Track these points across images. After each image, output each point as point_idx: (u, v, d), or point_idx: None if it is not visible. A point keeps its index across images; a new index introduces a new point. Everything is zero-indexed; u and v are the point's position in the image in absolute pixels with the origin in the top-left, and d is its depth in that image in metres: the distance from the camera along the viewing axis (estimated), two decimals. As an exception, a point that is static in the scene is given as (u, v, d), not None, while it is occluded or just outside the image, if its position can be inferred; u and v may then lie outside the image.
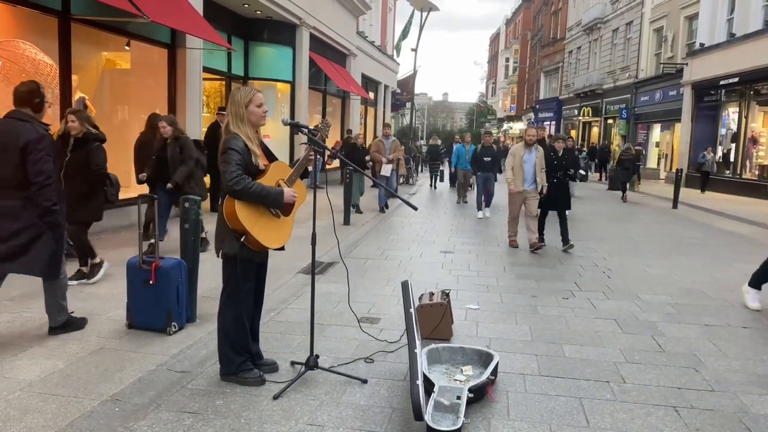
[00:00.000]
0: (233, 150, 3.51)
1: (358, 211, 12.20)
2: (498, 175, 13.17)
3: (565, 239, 8.92)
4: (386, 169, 13.03)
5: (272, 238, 3.69)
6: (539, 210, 9.05)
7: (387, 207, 13.18)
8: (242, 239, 3.58)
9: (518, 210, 9.22)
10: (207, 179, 11.03)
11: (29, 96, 4.21)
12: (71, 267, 5.63)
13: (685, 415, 3.59)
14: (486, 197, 12.80)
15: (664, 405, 3.73)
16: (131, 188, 9.86)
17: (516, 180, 9.03)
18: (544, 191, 8.93)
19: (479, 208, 12.73)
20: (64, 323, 4.49)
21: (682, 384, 4.07)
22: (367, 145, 17.54)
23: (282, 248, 3.85)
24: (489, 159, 12.51)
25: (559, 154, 9.22)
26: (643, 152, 26.79)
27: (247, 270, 3.71)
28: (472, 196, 14.89)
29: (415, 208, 4.04)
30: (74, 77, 8.44)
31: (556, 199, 9.00)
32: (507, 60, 63.78)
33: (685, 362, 4.48)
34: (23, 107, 4.20)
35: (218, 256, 3.74)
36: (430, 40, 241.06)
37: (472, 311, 5.66)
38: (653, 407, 3.69)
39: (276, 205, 3.65)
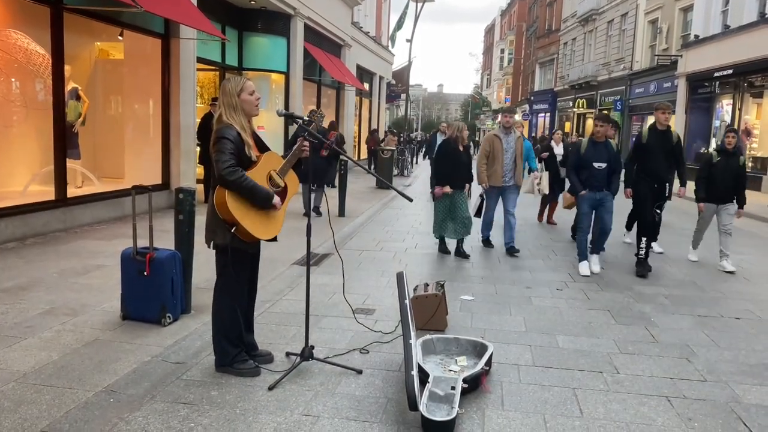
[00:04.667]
0: (226, 139, 3.50)
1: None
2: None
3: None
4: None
5: (263, 229, 3.68)
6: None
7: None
8: (233, 230, 3.57)
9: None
10: (200, 170, 11.07)
11: None
12: None
13: (677, 405, 3.62)
14: (601, 235, 7.17)
15: (657, 395, 3.75)
16: (124, 180, 9.84)
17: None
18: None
19: (583, 257, 7.10)
20: None
21: (674, 374, 4.10)
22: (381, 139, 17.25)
23: (275, 239, 3.84)
24: (604, 165, 6.97)
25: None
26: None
27: (239, 261, 3.70)
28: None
29: (410, 199, 4.04)
30: (67, 67, 8.37)
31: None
32: (502, 51, 63.71)
33: (678, 353, 4.51)
34: None
35: (209, 247, 3.74)
36: (426, 32, 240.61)
37: (466, 302, 5.67)
38: (646, 397, 3.72)
39: (261, 206, 3.64)
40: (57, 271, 5.93)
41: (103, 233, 7.93)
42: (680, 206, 12.08)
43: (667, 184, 7.45)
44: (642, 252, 7.01)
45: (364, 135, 25.85)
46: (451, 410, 3.25)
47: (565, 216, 10.68)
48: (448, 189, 7.50)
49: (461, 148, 7.64)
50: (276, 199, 3.66)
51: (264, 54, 15.29)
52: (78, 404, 3.27)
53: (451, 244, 7.94)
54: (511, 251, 7.97)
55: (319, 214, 10.23)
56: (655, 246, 8.17)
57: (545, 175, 10.33)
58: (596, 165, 6.93)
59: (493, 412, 3.46)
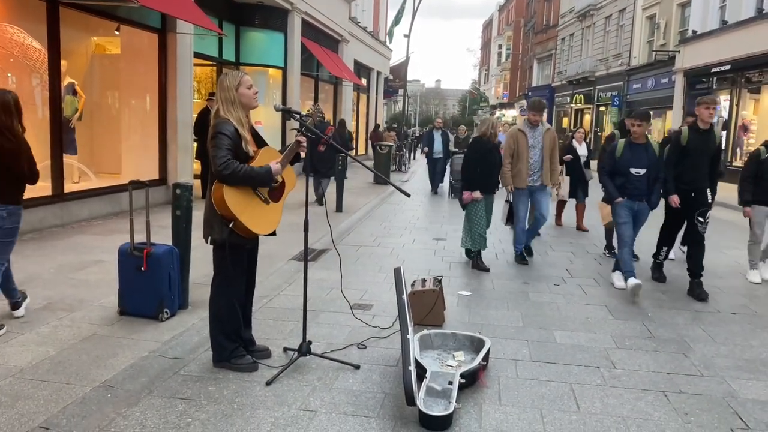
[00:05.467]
0: (223, 134, 3.49)
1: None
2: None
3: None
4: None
5: (261, 224, 3.68)
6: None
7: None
8: (230, 225, 3.57)
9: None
10: (197, 165, 11.05)
11: None
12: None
13: (674, 400, 3.63)
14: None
15: (654, 390, 3.77)
16: (121, 175, 9.82)
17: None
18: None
19: (630, 272, 5.90)
20: None
21: (671, 369, 4.11)
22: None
23: (273, 234, 3.84)
24: (643, 172, 6.03)
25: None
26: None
27: (236, 256, 3.70)
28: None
29: (408, 195, 4.04)
30: (63, 62, 8.34)
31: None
32: (500, 47, 63.59)
33: (675, 348, 4.53)
34: None
35: (207, 242, 3.73)
36: (423, 27, 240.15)
37: (464, 297, 5.68)
38: (643, 392, 3.73)
39: (266, 183, 3.63)
40: (54, 267, 5.92)
41: (100, 229, 7.92)
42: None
43: (708, 191, 6.32)
44: (661, 257, 6.60)
45: (362, 130, 25.82)
46: (448, 405, 3.25)
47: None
48: (478, 195, 6.61)
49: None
50: (276, 166, 3.63)
51: (261, 49, 15.26)
52: (75, 399, 3.27)
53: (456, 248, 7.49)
54: (516, 255, 7.30)
55: (321, 204, 10.71)
56: (677, 250, 7.48)
57: (566, 180, 9.48)
58: (634, 171, 5.94)
59: (490, 407, 3.47)
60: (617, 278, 6.23)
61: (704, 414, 3.47)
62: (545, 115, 7.30)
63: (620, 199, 6.02)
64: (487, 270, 6.73)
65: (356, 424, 3.21)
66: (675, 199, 6.13)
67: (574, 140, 9.75)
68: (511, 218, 7.30)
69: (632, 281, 5.69)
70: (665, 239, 6.58)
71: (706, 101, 6.08)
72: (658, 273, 6.60)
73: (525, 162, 6.96)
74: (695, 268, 6.06)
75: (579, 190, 9.55)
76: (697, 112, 6.21)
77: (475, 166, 6.63)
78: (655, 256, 6.68)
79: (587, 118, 35.76)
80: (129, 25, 9.57)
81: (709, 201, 6.29)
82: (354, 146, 21.27)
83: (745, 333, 4.94)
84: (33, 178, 4.22)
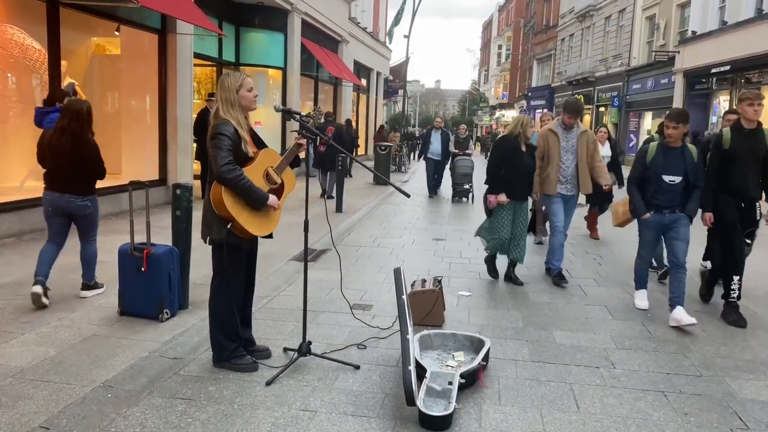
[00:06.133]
0: (224, 135, 3.50)
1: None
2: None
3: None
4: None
5: (258, 225, 3.69)
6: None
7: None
8: (229, 226, 3.58)
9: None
10: (197, 165, 11.06)
11: None
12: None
13: (673, 400, 3.64)
14: (674, 271, 5.25)
15: (654, 390, 3.77)
16: (121, 175, 9.81)
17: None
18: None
19: (642, 284, 5.63)
20: None
21: (671, 369, 4.11)
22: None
23: (270, 236, 3.84)
24: (678, 180, 5.19)
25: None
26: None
27: (235, 256, 3.71)
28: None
29: (408, 195, 4.05)
30: (63, 63, 8.34)
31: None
32: (499, 47, 63.60)
33: (674, 348, 4.53)
34: None
35: (206, 243, 3.74)
36: (423, 27, 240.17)
37: (464, 298, 5.68)
38: (642, 392, 3.73)
39: (255, 206, 3.64)
40: (54, 267, 5.91)
41: (100, 229, 7.89)
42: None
43: (758, 204, 5.43)
44: (734, 294, 5.22)
45: (362, 131, 25.83)
46: (448, 405, 3.26)
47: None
48: (504, 198, 5.99)
49: (524, 148, 6.10)
50: (271, 200, 3.66)
51: (261, 49, 15.27)
52: (75, 400, 3.27)
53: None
54: (554, 274, 6.35)
55: (331, 197, 11.26)
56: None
57: None
58: (667, 179, 5.11)
59: (490, 407, 3.47)
60: (640, 297, 5.58)
61: (704, 414, 3.48)
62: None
63: (647, 215, 5.22)
64: (521, 283, 6.18)
65: (356, 424, 3.21)
66: (708, 218, 5.26)
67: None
68: (533, 227, 6.62)
69: (640, 296, 5.51)
70: (729, 262, 5.29)
71: (749, 96, 5.16)
72: (735, 315, 5.17)
73: (555, 166, 6.24)
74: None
75: (597, 195, 7.84)
76: (739, 110, 5.30)
77: (498, 167, 6.07)
78: (726, 295, 5.31)
79: (587, 118, 35.77)
80: (129, 26, 9.58)
81: (758, 217, 5.44)
82: (359, 144, 21.65)
83: (745, 333, 4.94)
84: (103, 175, 5.03)
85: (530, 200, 6.52)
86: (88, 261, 5.13)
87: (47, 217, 4.96)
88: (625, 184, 5.75)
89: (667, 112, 5.48)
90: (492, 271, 6.45)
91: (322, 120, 11.98)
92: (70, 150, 4.77)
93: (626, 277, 6.62)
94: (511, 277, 6.30)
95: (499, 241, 6.17)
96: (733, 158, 5.22)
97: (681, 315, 4.96)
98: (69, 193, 4.82)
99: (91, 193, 5.00)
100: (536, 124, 8.61)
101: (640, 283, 5.58)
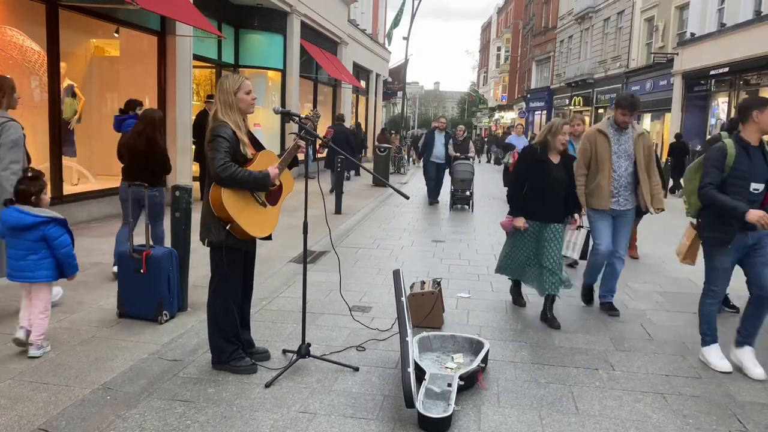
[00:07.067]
0: (222, 137, 3.50)
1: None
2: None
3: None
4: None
5: (258, 227, 3.69)
6: None
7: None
8: (227, 227, 3.58)
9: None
10: (196, 167, 11.05)
11: None
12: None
13: (672, 402, 3.64)
14: (758, 306, 4.22)
15: (653, 392, 3.77)
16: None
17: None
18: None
19: (712, 338, 4.36)
20: None
21: (670, 371, 4.12)
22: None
23: (269, 237, 3.84)
24: (762, 188, 4.05)
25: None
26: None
27: (233, 258, 3.71)
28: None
29: (407, 197, 4.05)
30: (62, 64, 8.35)
31: None
32: (498, 49, 63.64)
33: (674, 350, 4.53)
34: None
35: (204, 244, 3.74)
36: (422, 29, 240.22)
37: (463, 299, 5.68)
38: (641, 394, 3.74)
39: (264, 188, 3.64)
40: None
41: (99, 231, 7.91)
42: (669, 202, 12.10)
43: None
44: None
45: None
46: (447, 407, 3.26)
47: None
48: (521, 223, 5.01)
49: (556, 160, 5.02)
50: (273, 170, 3.64)
51: (260, 51, 15.27)
52: (74, 402, 3.27)
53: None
54: (608, 309, 5.37)
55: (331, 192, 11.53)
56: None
57: None
58: (753, 187, 3.98)
59: (489, 408, 3.47)
60: (714, 355, 4.22)
61: (703, 416, 3.48)
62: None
63: (761, 212, 3.82)
64: (558, 326, 4.96)
65: (355, 426, 3.21)
66: None
67: None
68: (586, 253, 5.66)
69: (712, 351, 4.21)
70: None
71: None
72: None
73: (607, 175, 5.12)
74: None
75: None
76: None
77: (519, 183, 5.11)
78: None
79: (586, 120, 35.82)
80: (128, 28, 9.59)
81: None
82: (367, 146, 22.41)
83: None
84: (169, 169, 5.87)
85: (585, 220, 5.39)
86: (159, 240, 5.68)
87: (123, 203, 5.66)
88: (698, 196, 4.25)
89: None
90: (517, 299, 5.59)
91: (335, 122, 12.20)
92: (144, 149, 5.53)
93: (625, 279, 6.62)
94: (548, 316, 5.04)
95: (515, 263, 5.29)
96: None
97: (748, 359, 4.08)
98: (142, 185, 5.23)
99: (159, 185, 5.73)
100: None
101: (712, 333, 4.25)
